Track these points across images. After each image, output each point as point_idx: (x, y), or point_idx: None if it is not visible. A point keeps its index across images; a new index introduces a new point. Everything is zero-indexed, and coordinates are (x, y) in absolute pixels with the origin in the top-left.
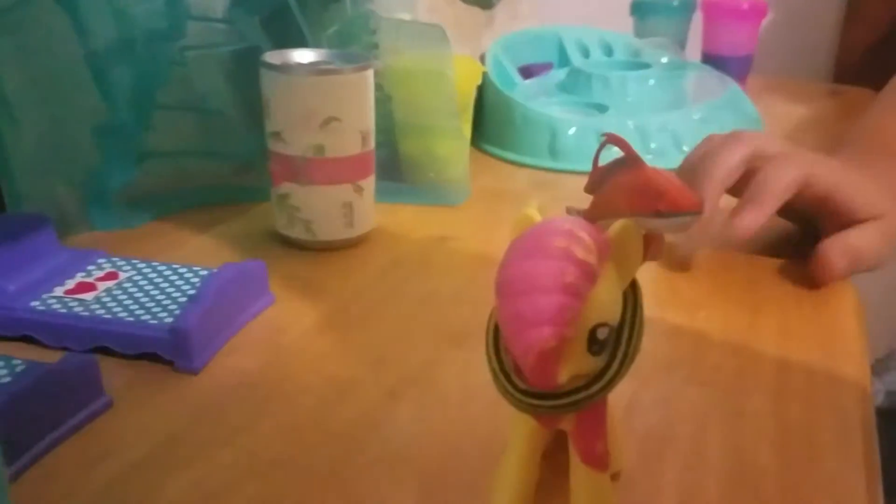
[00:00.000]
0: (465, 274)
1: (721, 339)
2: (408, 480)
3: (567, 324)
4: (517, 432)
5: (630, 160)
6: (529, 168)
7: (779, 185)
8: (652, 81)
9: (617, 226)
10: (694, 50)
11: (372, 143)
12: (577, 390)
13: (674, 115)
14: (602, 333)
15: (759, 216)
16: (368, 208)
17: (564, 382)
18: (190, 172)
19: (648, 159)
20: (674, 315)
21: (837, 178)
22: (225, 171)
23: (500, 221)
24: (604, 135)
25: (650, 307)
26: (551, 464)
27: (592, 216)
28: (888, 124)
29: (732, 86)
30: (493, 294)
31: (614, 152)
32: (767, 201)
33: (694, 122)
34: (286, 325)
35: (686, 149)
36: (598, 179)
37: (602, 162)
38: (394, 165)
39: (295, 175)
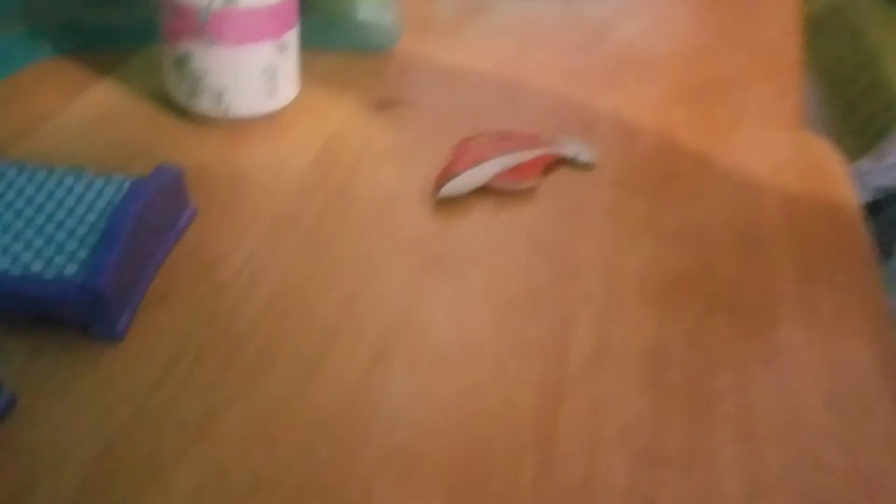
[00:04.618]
0: (427, 162)
1: (723, 236)
2: (424, 476)
3: None
4: None
5: None
6: None
7: None
8: None
9: None
10: None
11: None
12: None
13: None
14: None
15: None
16: (293, 71)
17: None
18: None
19: None
20: (667, 220)
21: None
22: (72, 4)
23: (451, 78)
24: None
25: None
26: None
27: None
28: None
29: None
30: None
31: None
32: None
33: None
34: (219, 251)
35: None
36: None
37: None
38: None
39: (197, 32)
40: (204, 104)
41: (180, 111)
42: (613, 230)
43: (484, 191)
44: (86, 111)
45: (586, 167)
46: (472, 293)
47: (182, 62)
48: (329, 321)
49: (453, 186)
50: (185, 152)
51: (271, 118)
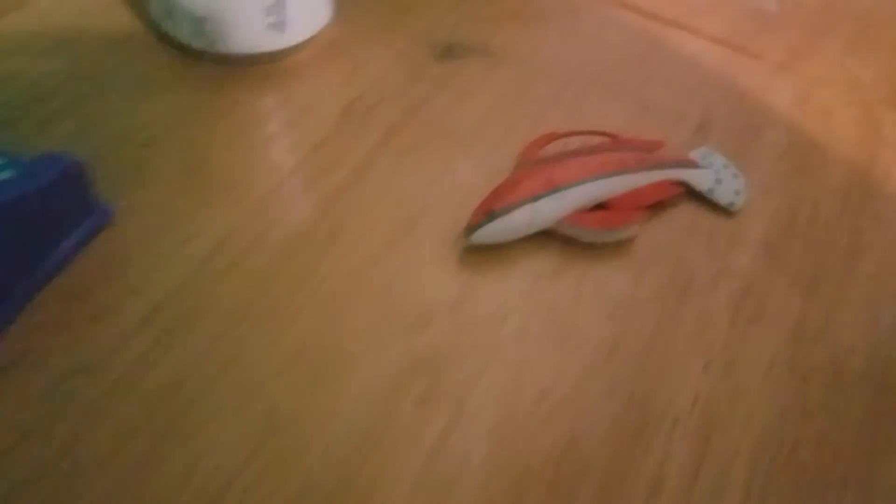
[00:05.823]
0: (486, 162)
1: None
2: None
3: None
4: None
5: None
6: None
7: None
8: None
9: None
10: None
11: None
12: None
13: None
14: None
15: None
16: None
17: None
18: None
19: None
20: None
21: None
22: None
23: (561, 17)
24: None
25: None
26: None
27: None
28: None
29: None
30: None
31: None
32: None
33: None
34: (117, 293)
35: None
36: None
37: None
38: None
39: None
40: (181, 32)
41: (163, 37)
42: (739, 346)
43: (547, 235)
44: (59, 7)
45: (725, 210)
46: (473, 440)
47: None
48: (227, 463)
49: (492, 231)
50: (145, 97)
51: (277, 62)
